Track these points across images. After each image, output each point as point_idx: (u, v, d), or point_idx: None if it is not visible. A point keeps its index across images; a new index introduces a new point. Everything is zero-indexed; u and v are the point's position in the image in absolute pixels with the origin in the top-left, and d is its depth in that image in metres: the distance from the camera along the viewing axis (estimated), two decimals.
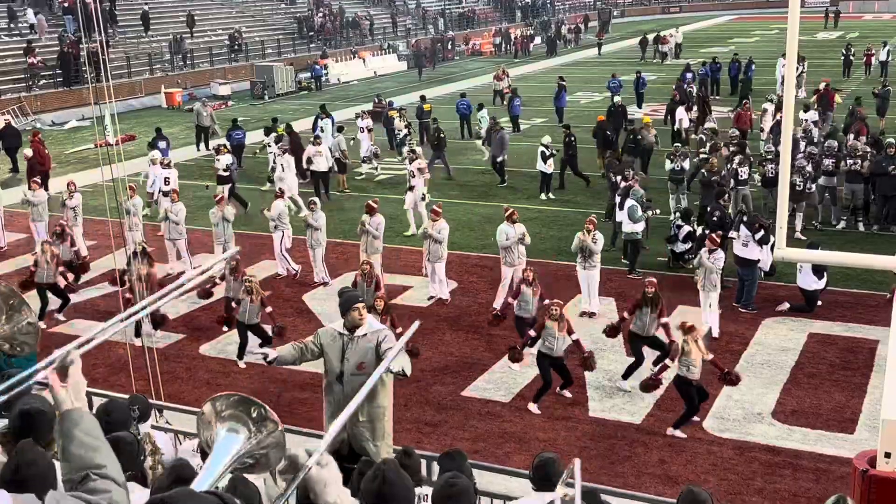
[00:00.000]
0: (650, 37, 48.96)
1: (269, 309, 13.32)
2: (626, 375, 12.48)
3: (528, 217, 19.90)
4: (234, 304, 13.60)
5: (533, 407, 11.88)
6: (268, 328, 13.35)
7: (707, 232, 15.05)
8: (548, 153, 21.59)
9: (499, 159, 23.40)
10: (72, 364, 2.65)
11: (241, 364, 13.53)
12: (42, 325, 15.08)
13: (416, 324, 4.53)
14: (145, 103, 38.76)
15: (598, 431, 11.36)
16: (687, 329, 11.05)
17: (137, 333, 13.96)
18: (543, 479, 6.01)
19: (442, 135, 24.29)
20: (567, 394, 12.21)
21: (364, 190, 23.16)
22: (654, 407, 11.88)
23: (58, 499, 2.40)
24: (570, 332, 11.85)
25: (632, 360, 12.79)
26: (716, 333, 13.72)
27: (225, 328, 14.54)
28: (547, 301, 12.55)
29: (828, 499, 5.72)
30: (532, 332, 12.13)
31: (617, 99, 27.63)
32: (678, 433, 11.16)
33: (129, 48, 41.17)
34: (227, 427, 2.63)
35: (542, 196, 21.93)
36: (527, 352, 12.57)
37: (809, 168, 18.41)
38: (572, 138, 22.42)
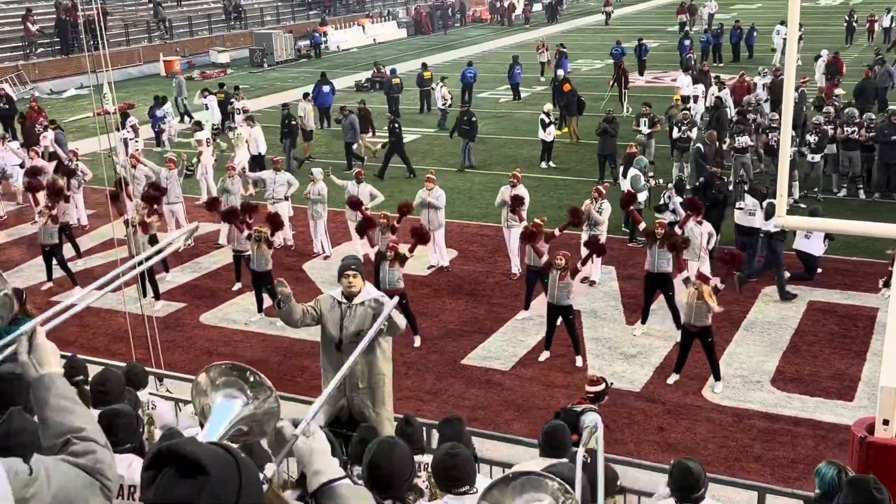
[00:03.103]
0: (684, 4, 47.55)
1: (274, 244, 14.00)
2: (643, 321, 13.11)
3: (529, 185, 19.84)
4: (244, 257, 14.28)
5: (544, 354, 12.36)
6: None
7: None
8: (548, 121, 21.53)
9: (354, 147, 22.43)
10: (34, 334, 2.62)
11: (258, 316, 13.93)
12: (49, 285, 15.21)
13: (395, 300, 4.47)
14: (144, 71, 38.56)
15: None
16: (700, 278, 11.32)
17: (157, 297, 14.21)
18: (553, 446, 6.05)
19: (293, 122, 22.75)
20: (577, 362, 12.26)
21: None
22: (654, 374, 11.91)
23: (44, 462, 2.40)
24: (573, 273, 12.06)
25: (630, 328, 12.92)
26: None
27: (236, 286, 15.00)
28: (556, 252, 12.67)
29: (820, 463, 5.77)
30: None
31: (560, 72, 27.29)
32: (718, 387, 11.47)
33: (128, 16, 40.88)
34: (223, 394, 2.62)
35: (542, 164, 21.87)
36: (527, 316, 12.65)
37: (812, 138, 18.32)
38: (396, 125, 21.76)
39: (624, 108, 26.68)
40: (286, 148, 22.41)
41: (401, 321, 7.64)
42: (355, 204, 14.93)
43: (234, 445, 2.27)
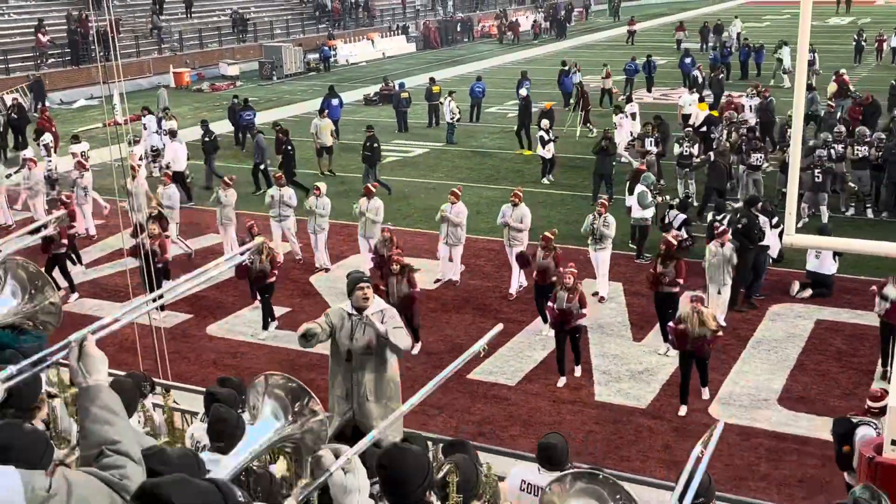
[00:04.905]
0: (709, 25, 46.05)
1: (278, 261, 13.86)
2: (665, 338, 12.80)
3: (535, 200, 19.87)
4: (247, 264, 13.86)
5: (561, 380, 12.16)
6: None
7: (720, 219, 14.96)
8: (547, 138, 21.52)
9: (262, 166, 21.47)
10: (84, 342, 2.65)
11: (265, 334, 13.92)
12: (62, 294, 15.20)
13: (499, 326, 4.38)
14: (153, 83, 38.68)
15: (603, 415, 11.37)
16: (695, 299, 11.18)
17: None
18: (549, 461, 6.02)
19: (206, 139, 22.44)
20: (576, 373, 12.25)
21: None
22: (661, 391, 11.88)
23: (67, 477, 2.40)
24: (582, 304, 11.87)
25: (637, 345, 12.91)
26: (722, 321, 13.59)
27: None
28: (561, 269, 12.51)
29: (855, 487, 5.73)
30: (550, 304, 12.15)
31: (522, 91, 27.02)
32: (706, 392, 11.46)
33: (138, 28, 41.08)
34: (269, 408, 2.64)
35: (544, 180, 21.81)
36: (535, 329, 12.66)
37: (831, 155, 18.32)
38: (289, 147, 21.31)
39: (590, 129, 26.55)
40: (207, 164, 22.31)
41: (402, 343, 7.64)
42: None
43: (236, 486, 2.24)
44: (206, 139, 22.56)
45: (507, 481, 6.41)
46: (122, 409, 2.66)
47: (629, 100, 25.49)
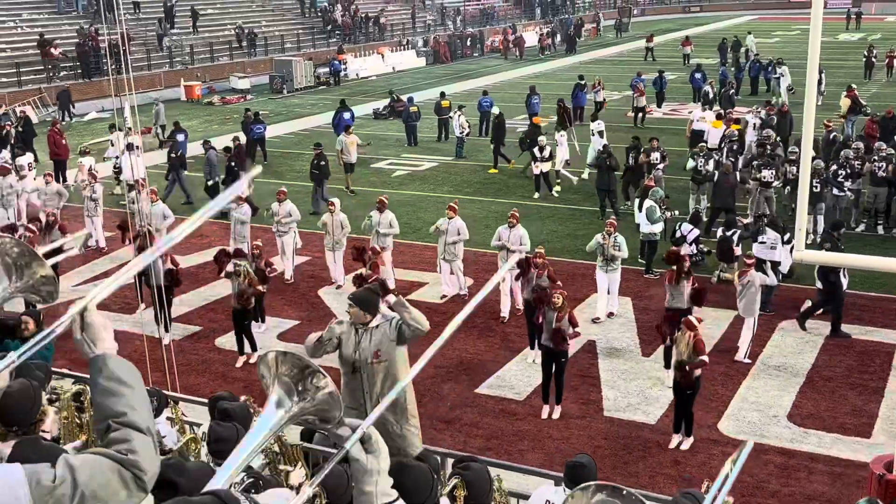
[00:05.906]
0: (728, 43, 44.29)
1: (264, 287, 13.31)
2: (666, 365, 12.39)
3: (544, 215, 19.93)
4: (226, 258, 13.29)
5: (545, 409, 11.76)
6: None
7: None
8: (538, 155, 21.45)
9: (209, 182, 21.25)
10: (85, 311, 2.56)
11: (241, 360, 13.53)
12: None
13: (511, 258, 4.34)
14: (164, 96, 38.89)
15: (612, 431, 11.32)
16: (688, 325, 10.84)
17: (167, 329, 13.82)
18: (575, 482, 5.96)
19: (172, 155, 22.20)
20: (554, 414, 11.72)
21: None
22: (669, 407, 11.82)
23: (69, 462, 2.37)
24: (573, 323, 11.50)
25: (646, 360, 12.84)
26: (745, 357, 13.26)
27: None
28: (553, 286, 12.23)
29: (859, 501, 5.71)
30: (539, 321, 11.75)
31: (495, 110, 26.82)
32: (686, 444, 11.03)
33: (149, 41, 41.33)
34: (276, 394, 2.59)
35: (551, 193, 21.78)
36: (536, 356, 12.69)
37: (842, 172, 18.27)
38: (234, 164, 20.91)
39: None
40: (171, 181, 22.23)
41: (422, 322, 7.62)
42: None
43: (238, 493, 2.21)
44: (173, 154, 22.36)
45: (530, 501, 6.38)
46: (131, 377, 2.54)
47: (595, 118, 25.28)
